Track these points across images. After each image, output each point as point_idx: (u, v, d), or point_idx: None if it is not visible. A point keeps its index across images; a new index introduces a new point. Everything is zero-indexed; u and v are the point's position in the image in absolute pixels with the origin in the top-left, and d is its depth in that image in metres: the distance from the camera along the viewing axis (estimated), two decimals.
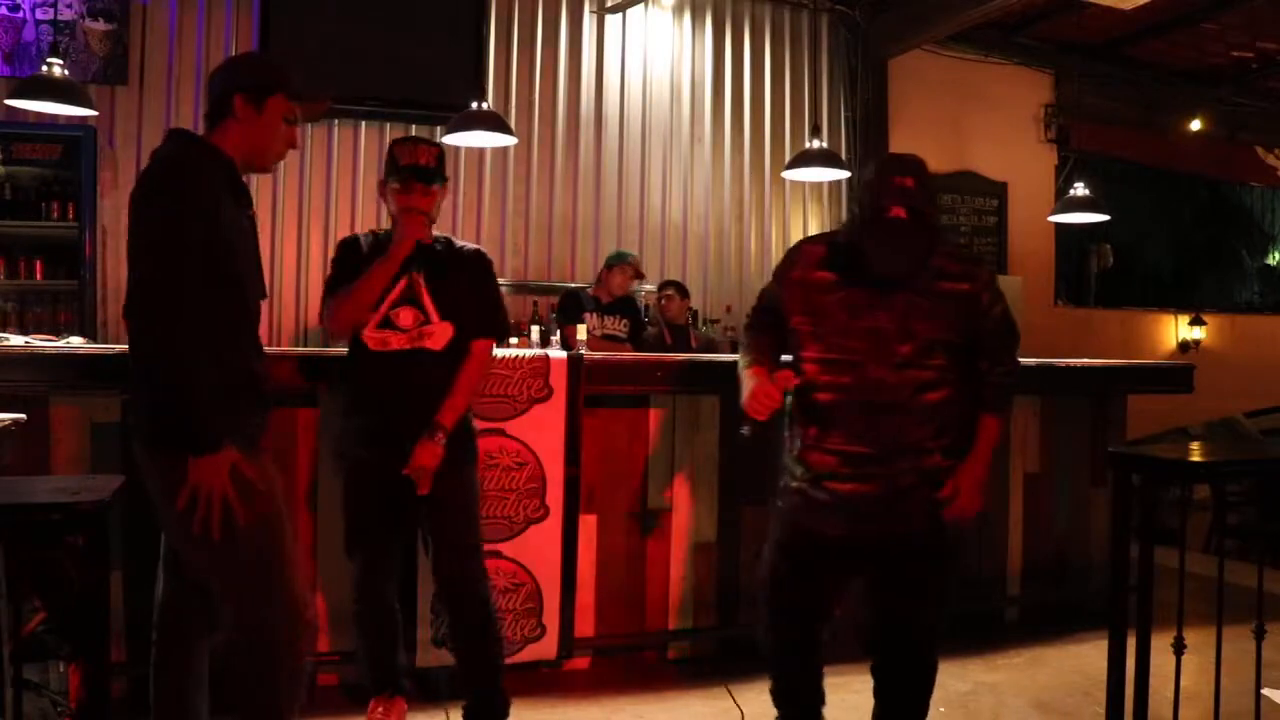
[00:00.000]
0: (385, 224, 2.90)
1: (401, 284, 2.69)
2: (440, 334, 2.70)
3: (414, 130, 6.13)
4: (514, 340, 5.53)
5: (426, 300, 2.71)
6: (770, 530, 2.60)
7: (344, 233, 6.07)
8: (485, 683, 2.81)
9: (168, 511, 2.15)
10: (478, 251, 2.86)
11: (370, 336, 2.69)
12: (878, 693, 2.61)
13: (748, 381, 2.43)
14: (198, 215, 2.10)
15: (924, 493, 2.38)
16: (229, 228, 2.17)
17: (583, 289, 5.93)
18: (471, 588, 2.77)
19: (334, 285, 2.75)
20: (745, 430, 2.50)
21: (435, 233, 2.80)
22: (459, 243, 2.85)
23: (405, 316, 2.69)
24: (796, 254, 2.47)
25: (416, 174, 2.70)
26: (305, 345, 5.84)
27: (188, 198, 2.11)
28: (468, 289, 2.77)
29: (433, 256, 2.76)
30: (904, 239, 2.24)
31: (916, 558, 2.44)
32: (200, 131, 2.33)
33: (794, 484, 2.45)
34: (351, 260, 2.76)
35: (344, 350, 2.87)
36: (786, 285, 2.45)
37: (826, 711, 2.69)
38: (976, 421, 2.43)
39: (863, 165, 7.35)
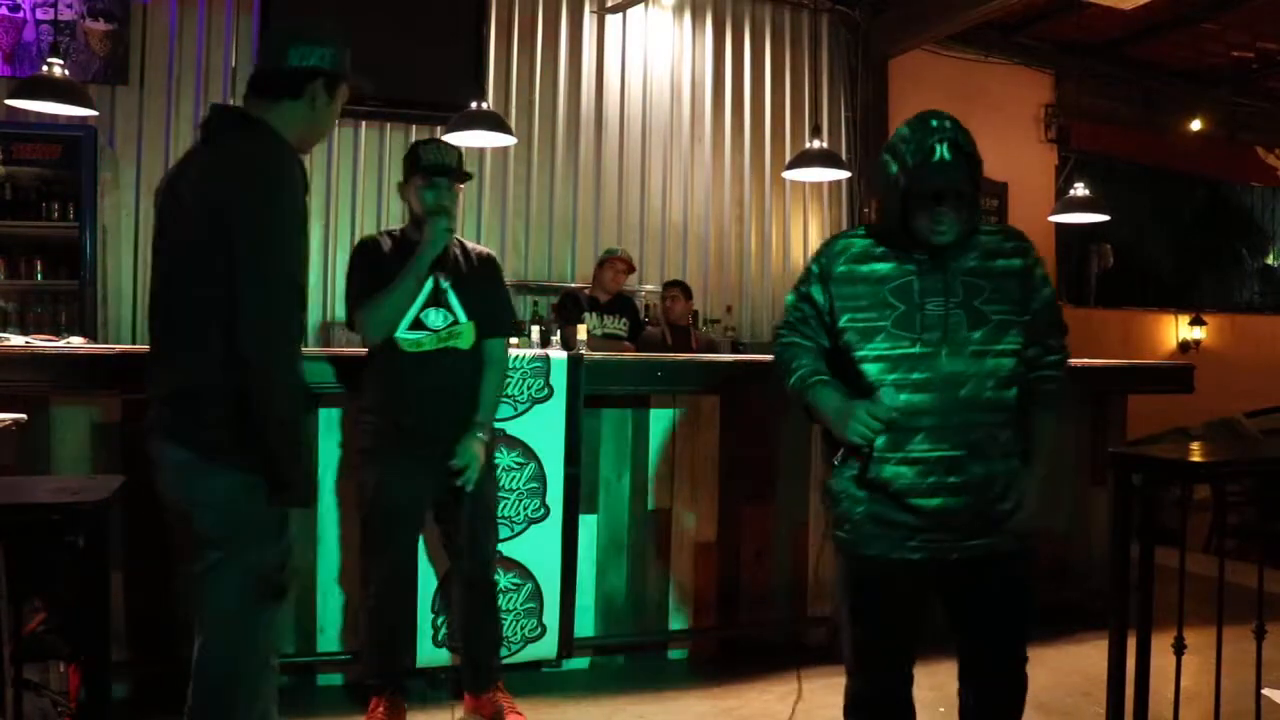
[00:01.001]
0: (386, 223, 2.92)
1: (431, 285, 2.79)
2: (467, 333, 2.82)
3: (414, 130, 6.15)
4: (514, 340, 5.54)
5: (454, 301, 2.81)
6: (837, 571, 2.26)
7: (344, 232, 6.12)
8: (487, 652, 3.00)
9: (203, 530, 2.02)
10: (489, 254, 3.01)
11: (403, 338, 2.77)
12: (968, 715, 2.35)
13: (831, 401, 2.08)
14: (300, 228, 1.96)
15: (1008, 505, 2.09)
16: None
17: (581, 289, 5.93)
18: (490, 573, 2.99)
19: (360, 292, 2.81)
20: (838, 459, 2.14)
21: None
22: (469, 244, 2.97)
23: (435, 317, 2.79)
24: (834, 248, 2.15)
25: (444, 171, 2.82)
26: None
27: (292, 209, 1.94)
28: (484, 290, 2.89)
29: (453, 258, 2.86)
30: (954, 182, 2.00)
31: (1008, 572, 2.15)
32: (232, 102, 2.18)
33: (859, 509, 2.10)
34: (374, 263, 2.82)
35: (361, 351, 2.92)
36: (833, 282, 2.11)
37: (830, 714, 2.69)
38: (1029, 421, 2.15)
39: (863, 165, 7.36)
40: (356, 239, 3.97)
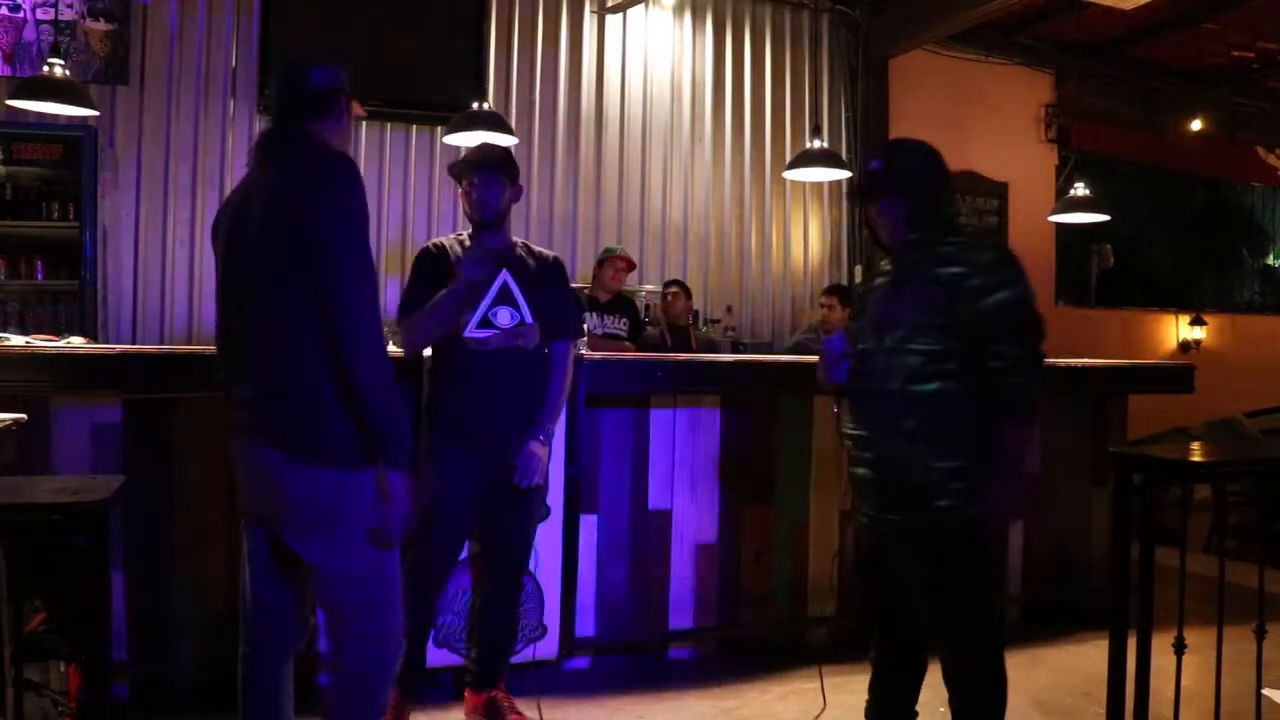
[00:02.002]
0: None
1: (499, 284, 2.81)
2: (533, 333, 2.84)
3: (414, 130, 6.15)
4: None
5: (521, 300, 2.83)
6: None
7: None
8: (500, 650, 3.03)
9: (326, 531, 2.07)
10: (557, 256, 3.06)
11: (471, 336, 2.79)
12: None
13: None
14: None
15: (926, 490, 2.27)
16: None
17: (580, 289, 5.92)
18: (523, 575, 3.04)
19: (406, 304, 2.87)
20: (835, 408, 2.53)
21: (512, 238, 2.96)
22: (534, 246, 3.01)
23: (503, 316, 2.81)
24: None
25: (470, 166, 2.87)
26: None
27: (366, 210, 2.08)
28: (552, 291, 2.91)
29: (514, 259, 2.89)
30: (877, 195, 2.39)
31: (921, 553, 2.33)
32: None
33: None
34: (427, 274, 2.87)
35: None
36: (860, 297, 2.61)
37: (827, 713, 2.69)
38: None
39: (863, 165, 7.35)
40: None
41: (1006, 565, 3.90)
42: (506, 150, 2.98)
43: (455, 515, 2.85)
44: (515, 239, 2.97)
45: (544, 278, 2.91)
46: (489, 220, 2.87)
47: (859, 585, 2.61)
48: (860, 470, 2.39)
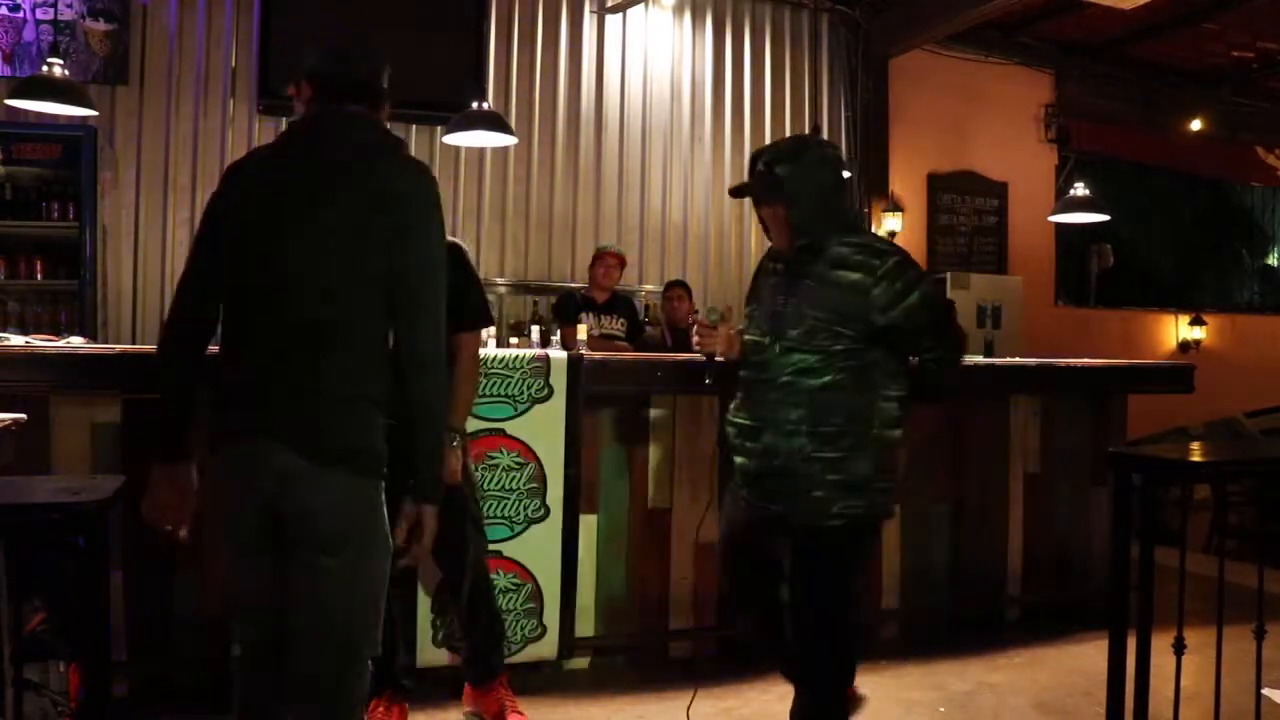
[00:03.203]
0: None
1: None
2: None
3: (414, 130, 6.15)
4: (514, 340, 5.54)
5: None
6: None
7: None
8: (486, 643, 2.97)
9: (349, 538, 1.94)
10: (452, 243, 2.83)
11: None
12: None
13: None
14: None
15: (805, 482, 2.35)
16: None
17: (578, 290, 5.93)
18: (473, 574, 2.87)
19: None
20: (708, 380, 2.64)
21: None
22: None
23: None
24: (763, 259, 2.66)
25: None
26: None
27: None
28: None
29: None
30: (761, 206, 2.48)
31: (798, 548, 2.41)
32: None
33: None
34: None
35: None
36: (754, 278, 2.67)
37: None
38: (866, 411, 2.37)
39: (864, 165, 7.36)
40: None
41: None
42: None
43: None
44: None
45: None
46: None
47: (726, 561, 2.69)
48: (742, 459, 2.48)
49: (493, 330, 5.17)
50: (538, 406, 3.26)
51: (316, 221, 1.92)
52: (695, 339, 2.62)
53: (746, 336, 2.54)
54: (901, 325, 2.33)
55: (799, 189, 2.39)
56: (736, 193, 2.53)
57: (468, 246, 2.93)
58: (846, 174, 2.63)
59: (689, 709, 2.92)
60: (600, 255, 5.67)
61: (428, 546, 2.01)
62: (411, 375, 1.94)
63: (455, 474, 2.69)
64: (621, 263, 5.72)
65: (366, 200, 1.93)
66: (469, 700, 3.03)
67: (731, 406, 2.57)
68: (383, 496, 1.96)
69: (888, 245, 2.44)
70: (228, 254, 1.98)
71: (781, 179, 2.39)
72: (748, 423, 2.46)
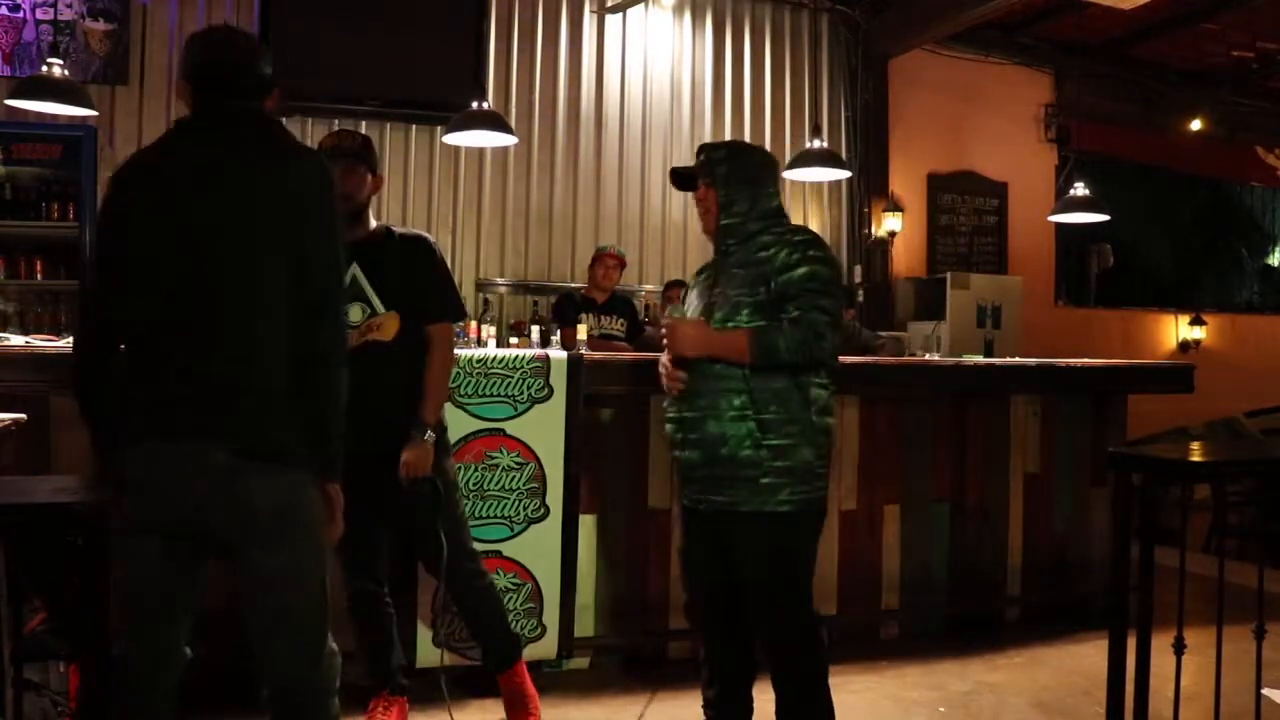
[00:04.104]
0: (386, 222, 2.89)
1: (350, 279, 2.67)
2: (388, 324, 2.71)
3: (414, 130, 6.15)
4: (514, 340, 5.54)
5: (370, 292, 2.71)
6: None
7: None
8: (486, 634, 2.95)
9: (293, 538, 1.93)
10: (417, 236, 2.86)
11: None
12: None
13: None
14: None
15: (753, 468, 2.38)
16: None
17: (577, 290, 5.93)
18: (463, 577, 2.83)
19: None
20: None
21: (376, 223, 2.82)
22: (398, 230, 2.84)
23: (354, 312, 2.68)
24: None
25: (334, 155, 2.66)
26: None
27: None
28: (411, 275, 2.75)
29: (369, 247, 2.74)
30: (696, 190, 2.57)
31: (754, 535, 2.43)
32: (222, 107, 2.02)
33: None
34: None
35: None
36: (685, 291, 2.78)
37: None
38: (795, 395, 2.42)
39: (863, 165, 7.35)
40: None
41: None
42: (366, 138, 2.82)
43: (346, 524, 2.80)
44: (379, 224, 2.83)
45: (406, 261, 2.75)
46: (352, 212, 2.67)
47: (686, 571, 2.67)
48: (686, 453, 2.47)
49: (492, 330, 5.19)
50: (538, 406, 3.26)
51: (224, 224, 1.90)
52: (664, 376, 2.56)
53: None
54: (784, 291, 2.40)
55: (729, 173, 2.53)
56: (678, 182, 2.65)
57: (436, 240, 2.91)
58: (783, 175, 2.75)
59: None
60: (600, 256, 5.66)
61: (338, 522, 2.02)
62: (318, 366, 1.93)
63: (424, 468, 2.65)
64: (621, 263, 5.72)
65: (270, 199, 1.92)
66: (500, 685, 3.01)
67: (665, 404, 2.58)
68: (313, 487, 1.95)
69: (807, 231, 2.58)
70: (136, 262, 1.92)
71: (712, 162, 2.54)
72: (689, 414, 2.46)
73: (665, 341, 2.50)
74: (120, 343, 1.97)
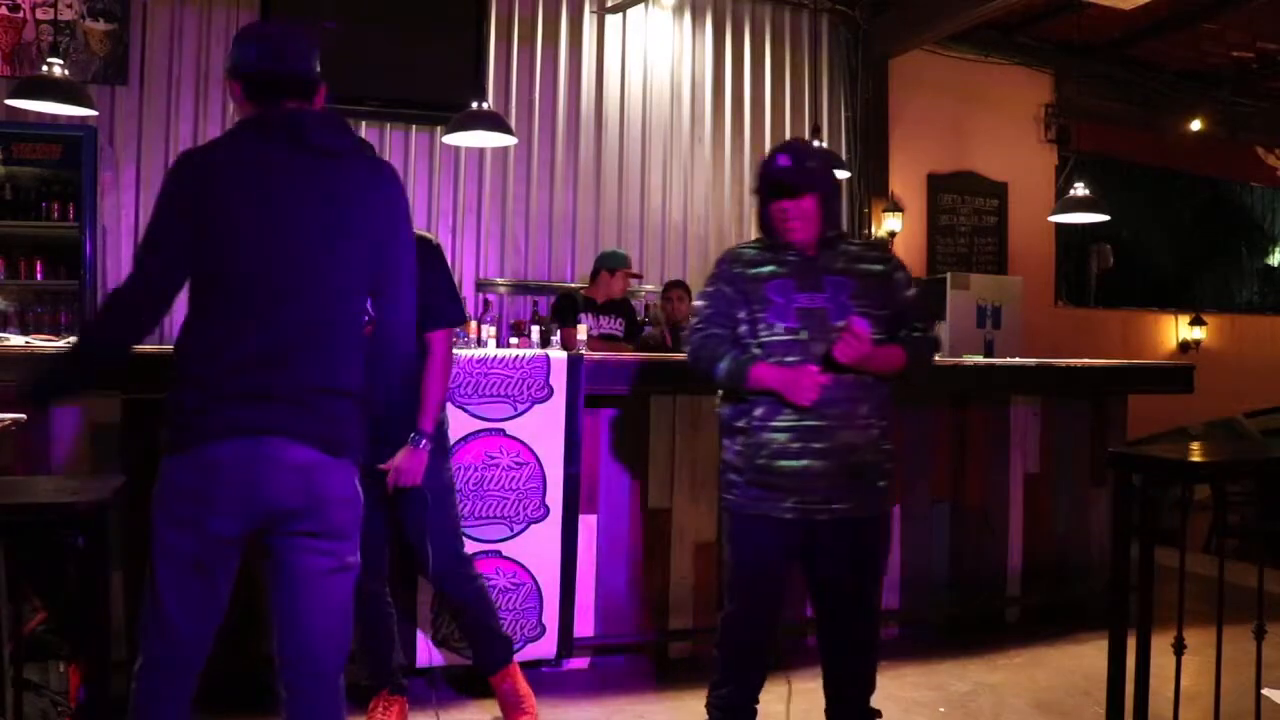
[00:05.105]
0: None
1: None
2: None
3: (414, 130, 6.15)
4: (514, 340, 5.54)
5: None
6: (724, 528, 2.64)
7: None
8: (475, 639, 2.96)
9: (355, 530, 2.02)
10: (420, 237, 2.82)
11: None
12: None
13: (773, 373, 2.41)
14: None
15: (873, 473, 2.47)
16: None
17: (576, 290, 5.93)
18: (451, 583, 2.84)
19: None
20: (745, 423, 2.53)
21: None
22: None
23: None
24: (729, 257, 2.59)
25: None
26: None
27: None
28: (419, 278, 2.74)
29: None
30: (790, 182, 2.46)
31: (866, 538, 2.51)
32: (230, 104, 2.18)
33: (744, 475, 2.47)
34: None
35: None
36: (733, 282, 2.52)
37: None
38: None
39: (863, 165, 7.35)
40: None
41: None
42: (365, 142, 2.83)
43: None
44: None
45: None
46: None
47: (759, 584, 2.53)
48: (806, 462, 2.41)
49: (492, 330, 5.19)
50: (538, 406, 3.26)
51: (318, 223, 1.94)
52: (801, 392, 2.39)
53: (773, 337, 2.43)
54: (908, 307, 2.53)
55: (828, 182, 2.53)
56: (781, 188, 2.47)
57: (439, 242, 2.91)
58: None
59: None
60: (621, 271, 5.61)
61: None
62: (387, 362, 2.04)
63: (416, 477, 2.62)
64: (640, 278, 5.74)
65: (357, 203, 1.97)
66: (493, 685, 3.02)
67: (759, 414, 2.43)
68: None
69: (882, 241, 2.65)
70: (220, 246, 1.92)
71: (815, 172, 2.47)
72: (816, 422, 2.39)
73: (836, 348, 2.35)
74: (159, 317, 1.96)
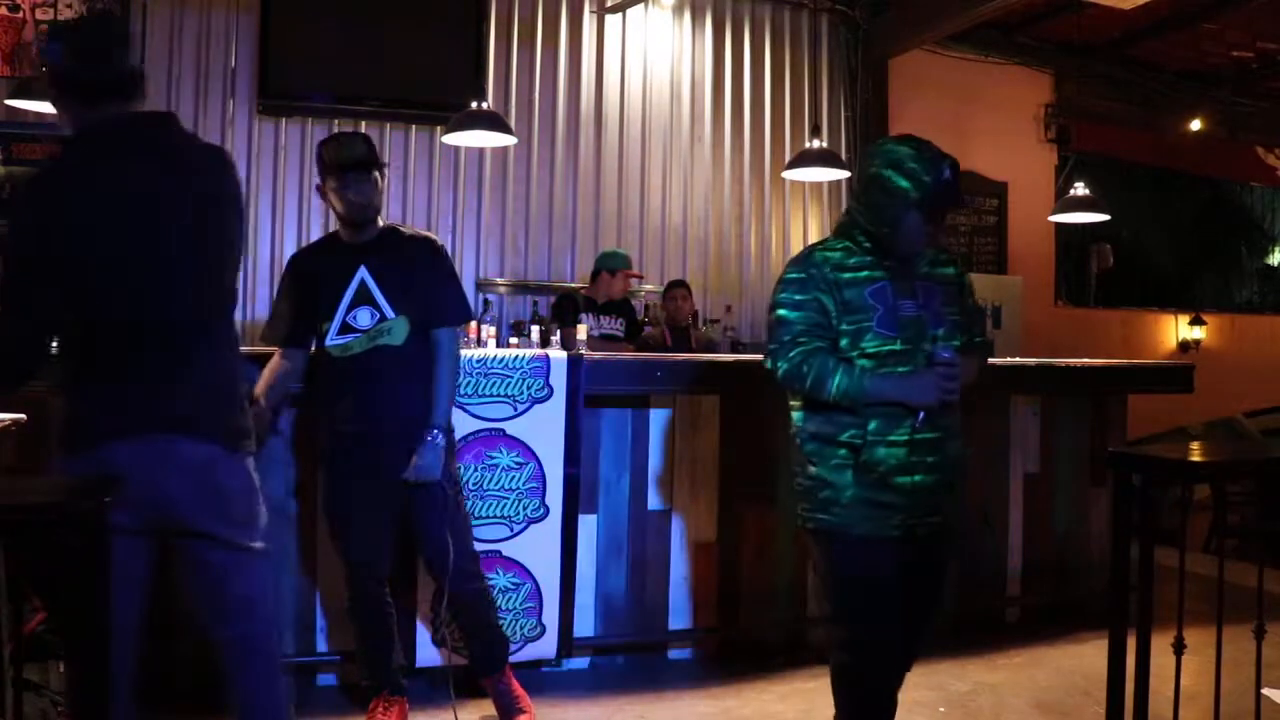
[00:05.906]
0: (385, 221, 2.89)
1: (355, 285, 2.72)
2: (397, 329, 2.73)
3: (414, 130, 6.15)
4: (514, 340, 5.54)
5: (380, 297, 2.73)
6: (822, 554, 2.42)
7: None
8: (477, 641, 2.97)
9: (257, 518, 2.11)
10: (424, 237, 2.86)
11: (332, 344, 2.74)
12: None
13: (894, 380, 2.27)
14: None
15: (958, 484, 2.46)
16: None
17: (576, 290, 5.93)
18: (463, 581, 2.84)
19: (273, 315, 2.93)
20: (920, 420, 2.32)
21: (381, 223, 2.83)
22: (405, 230, 2.85)
23: (363, 317, 2.71)
24: (815, 259, 2.36)
25: (354, 167, 2.71)
26: None
27: None
28: (419, 279, 2.77)
29: (376, 249, 2.77)
30: (957, 199, 2.44)
31: (946, 552, 2.51)
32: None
33: (848, 493, 2.31)
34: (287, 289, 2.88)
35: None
36: (831, 288, 2.31)
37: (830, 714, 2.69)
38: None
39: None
40: None
41: None
42: (368, 139, 2.82)
43: (349, 521, 2.80)
44: (386, 224, 2.84)
45: (415, 263, 2.77)
46: (370, 218, 2.76)
47: (881, 608, 2.33)
48: (919, 477, 2.29)
49: (492, 330, 5.19)
50: (538, 406, 3.26)
51: (181, 228, 1.97)
52: (946, 390, 2.28)
53: (879, 347, 2.29)
54: (975, 312, 2.53)
55: None
56: (948, 202, 2.38)
57: (443, 242, 2.93)
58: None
59: None
60: (623, 272, 5.62)
61: None
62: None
63: (435, 472, 2.68)
64: (640, 280, 5.75)
65: (213, 201, 2.05)
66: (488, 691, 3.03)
67: (874, 429, 2.29)
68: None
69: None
70: (92, 266, 1.93)
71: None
72: (929, 436, 2.29)
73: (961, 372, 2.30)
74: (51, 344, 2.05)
